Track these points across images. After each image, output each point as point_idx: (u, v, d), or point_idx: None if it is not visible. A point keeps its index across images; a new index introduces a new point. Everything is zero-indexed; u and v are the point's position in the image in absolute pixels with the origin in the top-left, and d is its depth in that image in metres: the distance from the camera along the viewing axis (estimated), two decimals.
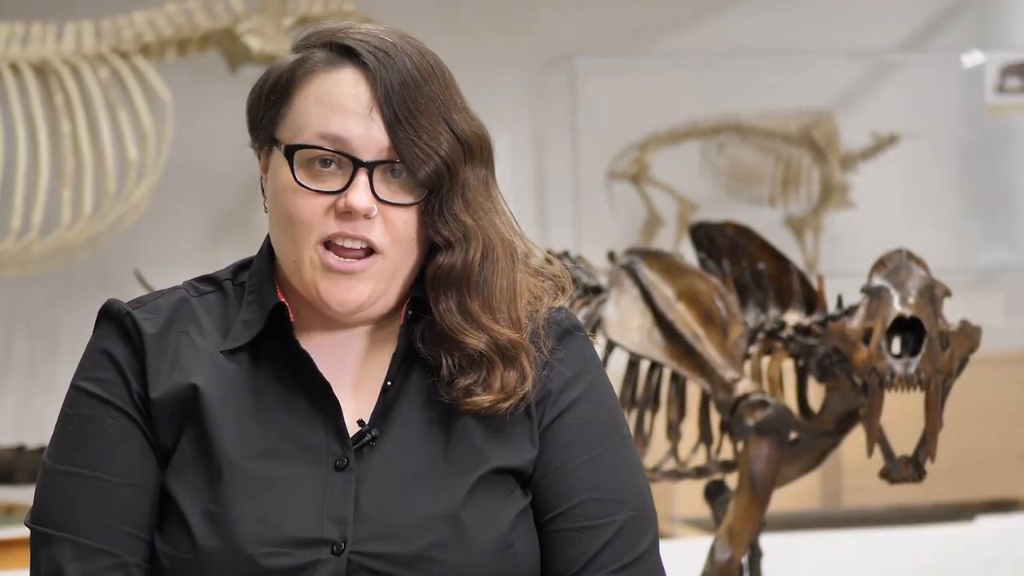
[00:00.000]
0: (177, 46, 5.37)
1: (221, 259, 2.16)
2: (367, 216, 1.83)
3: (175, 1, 5.42)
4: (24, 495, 5.30)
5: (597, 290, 3.47)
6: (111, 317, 1.92)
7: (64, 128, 5.17)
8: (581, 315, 3.41)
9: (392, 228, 1.86)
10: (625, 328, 3.34)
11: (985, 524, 5.50)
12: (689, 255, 3.48)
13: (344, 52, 1.88)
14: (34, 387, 6.30)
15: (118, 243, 5.81)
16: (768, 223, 6.39)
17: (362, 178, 1.83)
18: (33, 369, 6.35)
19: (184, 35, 5.34)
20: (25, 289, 6.27)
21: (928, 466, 3.03)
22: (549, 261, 2.05)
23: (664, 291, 3.33)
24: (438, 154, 1.85)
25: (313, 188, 1.84)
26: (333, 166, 1.85)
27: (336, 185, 1.84)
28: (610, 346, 3.41)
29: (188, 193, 6.34)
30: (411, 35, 1.93)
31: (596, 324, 3.37)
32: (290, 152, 1.86)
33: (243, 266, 1.99)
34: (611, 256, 3.50)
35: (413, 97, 1.85)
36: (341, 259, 1.85)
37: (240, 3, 5.41)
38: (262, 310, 1.91)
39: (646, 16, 6.91)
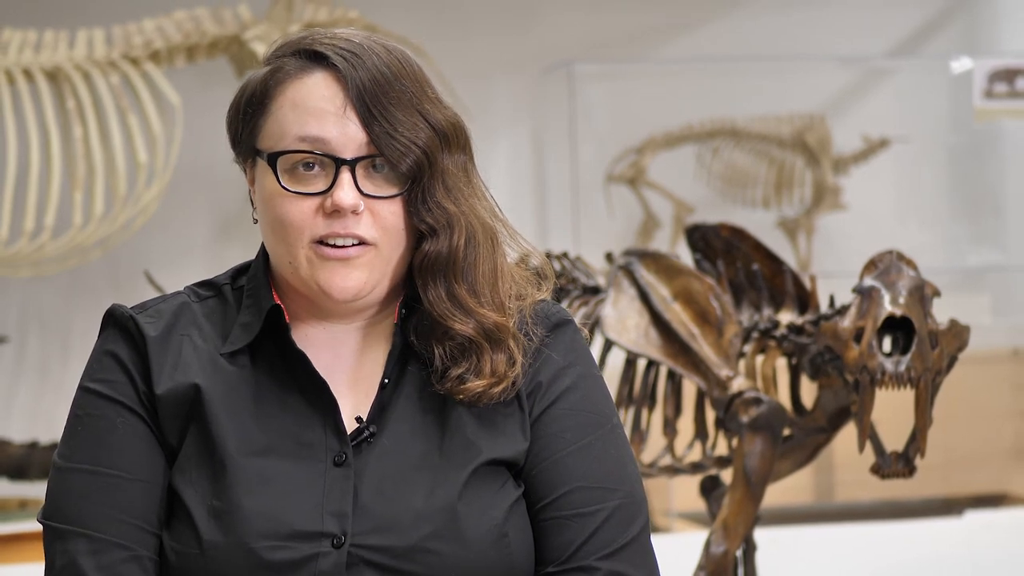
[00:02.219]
0: (186, 52, 5.39)
1: (228, 259, 2.19)
2: (355, 212, 1.86)
3: (184, 9, 5.45)
4: (37, 490, 5.31)
5: (595, 290, 3.49)
6: (115, 321, 1.95)
7: (76, 132, 5.20)
8: (579, 314, 3.41)
9: (380, 221, 1.88)
10: (623, 327, 3.33)
11: (973, 518, 5.48)
12: (685, 256, 3.49)
13: (314, 57, 1.90)
14: (47, 384, 6.30)
15: (128, 244, 5.83)
16: (762, 225, 6.39)
17: (345, 176, 1.86)
18: (46, 367, 6.34)
19: (193, 42, 5.36)
20: (38, 289, 6.28)
21: (918, 462, 3.02)
22: (548, 256, 2.08)
23: (661, 291, 3.32)
24: (416, 145, 1.87)
25: (299, 191, 1.87)
26: (316, 168, 1.87)
27: (321, 186, 1.86)
28: (608, 345, 3.41)
29: (196, 195, 6.35)
30: (379, 35, 1.96)
31: (594, 323, 3.37)
32: (272, 159, 1.88)
33: (241, 271, 2.01)
34: (609, 257, 3.50)
35: (385, 92, 1.86)
36: (335, 249, 1.87)
37: (247, 11, 5.45)
38: (259, 313, 1.93)
39: (643, 24, 6.90)
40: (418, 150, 1.87)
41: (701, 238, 3.42)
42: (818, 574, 4.63)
